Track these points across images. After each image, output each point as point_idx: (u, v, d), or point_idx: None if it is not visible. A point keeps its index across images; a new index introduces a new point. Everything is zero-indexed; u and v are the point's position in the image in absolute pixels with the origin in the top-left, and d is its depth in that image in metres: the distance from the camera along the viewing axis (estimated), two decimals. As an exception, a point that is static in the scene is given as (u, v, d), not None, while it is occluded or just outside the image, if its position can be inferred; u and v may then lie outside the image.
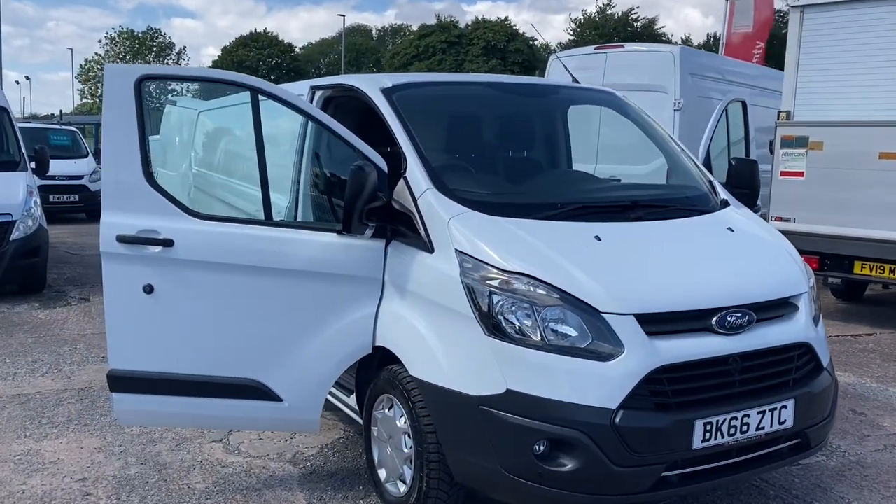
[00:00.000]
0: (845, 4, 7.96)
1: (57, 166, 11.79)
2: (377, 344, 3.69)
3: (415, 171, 3.64)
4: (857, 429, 5.10)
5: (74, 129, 18.62)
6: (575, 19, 56.67)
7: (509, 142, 4.76)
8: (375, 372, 3.80)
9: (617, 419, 3.03)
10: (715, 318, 3.25)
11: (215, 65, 61.43)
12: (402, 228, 3.64)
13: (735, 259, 3.67)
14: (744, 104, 5.65)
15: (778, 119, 8.36)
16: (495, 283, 3.23)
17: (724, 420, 3.19)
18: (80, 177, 16.30)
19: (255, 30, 67.00)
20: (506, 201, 3.72)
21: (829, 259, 7.92)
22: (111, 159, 3.69)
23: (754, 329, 3.34)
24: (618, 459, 3.04)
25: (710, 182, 4.32)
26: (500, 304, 3.20)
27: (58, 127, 19.96)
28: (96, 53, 70.55)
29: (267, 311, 3.71)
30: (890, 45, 7.61)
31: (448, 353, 3.35)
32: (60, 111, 37.04)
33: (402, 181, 3.66)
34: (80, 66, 69.82)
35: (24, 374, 5.99)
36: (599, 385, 3.07)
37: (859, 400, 5.70)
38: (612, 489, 3.11)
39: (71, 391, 5.59)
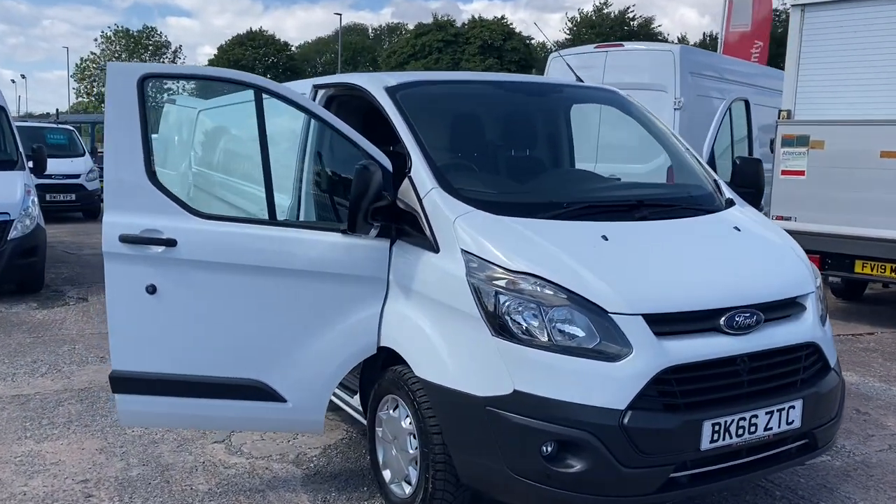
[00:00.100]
0: (846, 3, 7.94)
1: (53, 165, 11.74)
2: (382, 344, 3.67)
3: (420, 170, 3.61)
4: (861, 428, 5.08)
5: (71, 128, 18.52)
6: (572, 18, 56.77)
7: (514, 141, 4.73)
8: (379, 372, 3.77)
9: (625, 420, 3.01)
10: (723, 319, 3.23)
11: (211, 63, 61.26)
12: (407, 228, 3.61)
13: (742, 259, 3.65)
14: (747, 103, 5.64)
15: (778, 118, 8.34)
16: (502, 283, 3.20)
17: (733, 420, 3.17)
18: (77, 176, 16.26)
19: (252, 28, 67.03)
20: (511, 201, 3.70)
21: (829, 258, 7.92)
22: (113, 158, 3.66)
23: (762, 329, 3.32)
24: (626, 461, 3.02)
25: (716, 181, 4.30)
26: (507, 304, 3.17)
27: (54, 126, 19.88)
28: (91, 52, 70.49)
29: (271, 311, 3.69)
30: (891, 44, 7.60)
31: (454, 353, 3.33)
32: (57, 110, 36.85)
33: (406, 181, 3.64)
34: (76, 64, 69.62)
35: (23, 374, 5.95)
36: (607, 386, 3.05)
37: (863, 399, 5.69)
38: (621, 490, 3.09)
39: (71, 391, 5.55)
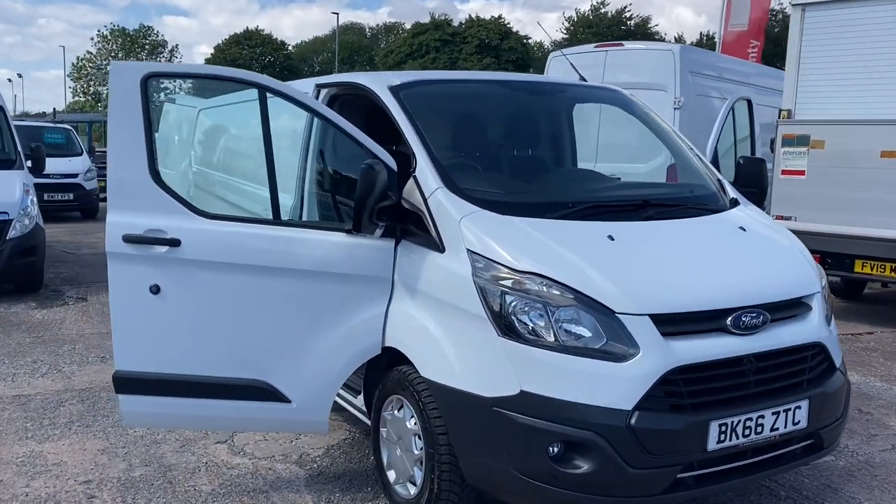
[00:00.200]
0: (846, 3, 7.95)
1: (51, 165, 11.70)
2: (387, 344, 3.65)
3: (425, 170, 3.60)
4: (864, 428, 5.08)
5: (69, 128, 18.49)
6: (569, 18, 56.82)
7: (518, 140, 4.72)
8: (384, 373, 3.76)
9: (632, 420, 3.00)
10: (730, 319, 3.22)
11: (208, 63, 61.18)
12: (412, 228, 3.60)
13: (748, 259, 3.65)
14: (749, 103, 5.63)
15: (779, 117, 8.35)
16: (508, 283, 3.19)
17: (739, 421, 3.16)
18: (75, 175, 16.21)
19: (248, 28, 66.90)
20: (517, 200, 3.69)
21: (829, 258, 7.92)
22: (117, 158, 3.63)
23: (768, 329, 3.32)
24: (633, 461, 3.01)
25: (720, 181, 4.29)
26: (513, 304, 3.16)
27: (52, 125, 19.81)
28: (88, 51, 70.32)
29: (275, 311, 3.67)
30: (891, 43, 7.61)
31: (460, 353, 3.32)
32: (54, 109, 36.78)
33: (411, 180, 3.62)
34: (72, 63, 69.43)
35: (23, 374, 5.93)
36: (614, 386, 3.04)
37: (865, 399, 5.69)
38: (628, 491, 3.08)
39: (72, 392, 5.53)
